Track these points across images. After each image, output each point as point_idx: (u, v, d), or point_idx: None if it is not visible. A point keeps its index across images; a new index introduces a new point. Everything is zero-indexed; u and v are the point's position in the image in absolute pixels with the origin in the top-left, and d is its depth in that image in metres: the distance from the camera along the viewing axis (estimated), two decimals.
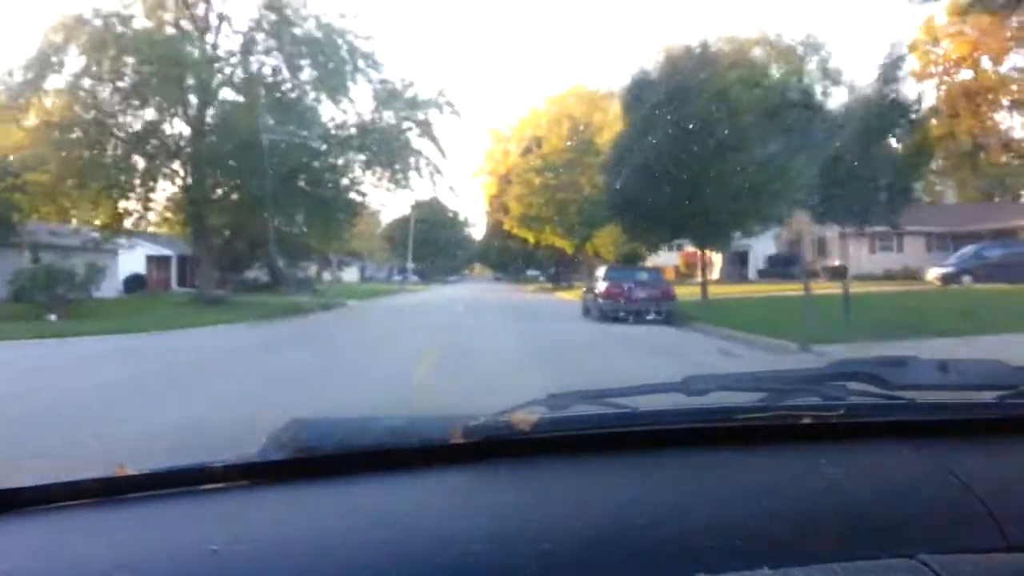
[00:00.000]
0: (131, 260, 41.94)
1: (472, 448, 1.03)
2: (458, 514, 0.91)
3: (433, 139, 28.31)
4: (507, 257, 69.04)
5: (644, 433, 1.09)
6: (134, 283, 41.39)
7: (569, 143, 42.72)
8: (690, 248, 58.38)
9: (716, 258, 57.80)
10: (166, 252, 44.77)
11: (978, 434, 1.14)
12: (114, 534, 0.90)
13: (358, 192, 29.67)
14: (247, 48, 27.39)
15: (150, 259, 44.90)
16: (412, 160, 28.03)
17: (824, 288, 29.03)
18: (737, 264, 50.22)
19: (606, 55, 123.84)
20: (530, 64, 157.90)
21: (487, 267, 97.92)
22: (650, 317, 18.06)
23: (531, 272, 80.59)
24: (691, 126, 20.32)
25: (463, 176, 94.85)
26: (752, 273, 45.54)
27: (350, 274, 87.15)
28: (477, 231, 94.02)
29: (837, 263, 37.86)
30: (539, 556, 0.82)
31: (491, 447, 1.04)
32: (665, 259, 67.72)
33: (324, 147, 27.24)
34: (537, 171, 42.78)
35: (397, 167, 27.95)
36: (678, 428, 1.11)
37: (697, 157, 20.53)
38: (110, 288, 36.90)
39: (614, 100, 48.96)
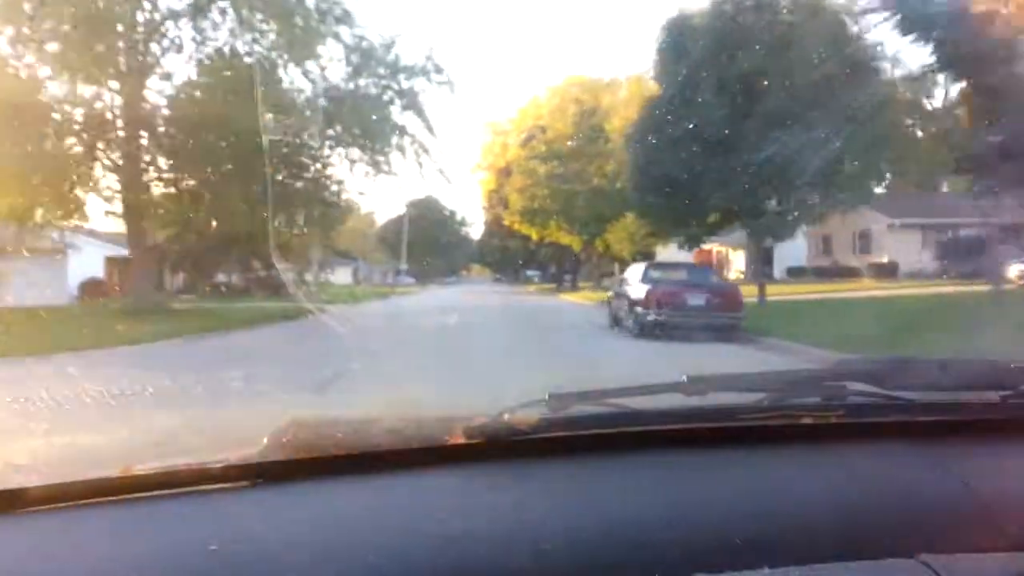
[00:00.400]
0: (89, 262, 36.79)
1: (472, 448, 1.00)
2: (458, 514, 0.89)
3: (420, 112, 23.11)
4: (506, 257, 63.60)
5: (644, 433, 1.06)
6: (91, 288, 36.10)
7: (576, 130, 37.39)
8: (706, 246, 53.22)
9: (735, 256, 52.55)
10: (127, 253, 39.30)
11: (978, 434, 1.10)
12: (116, 534, 0.89)
13: (329, 178, 24.45)
14: (198, 8, 22.18)
15: (110, 261, 39.47)
16: (394, 139, 22.82)
17: (877, 288, 23.90)
18: (759, 263, 44.96)
19: (608, 44, 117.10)
20: (527, 55, 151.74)
21: (486, 268, 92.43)
22: (710, 332, 12.87)
23: (529, 272, 75.34)
24: (755, 77, 15.05)
25: (459, 172, 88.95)
26: (778, 272, 39.99)
27: (343, 275, 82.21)
28: (475, 231, 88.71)
29: (885, 259, 32.69)
30: (539, 556, 0.81)
31: (491, 447, 1.01)
32: (674, 257, 62.72)
33: (307, 138, 22.06)
34: (541, 159, 37.41)
35: (377, 145, 22.73)
36: (678, 428, 1.07)
37: (761, 121, 15.30)
38: (60, 294, 31.79)
39: (622, 87, 44.19)
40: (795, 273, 38.52)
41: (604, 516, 0.90)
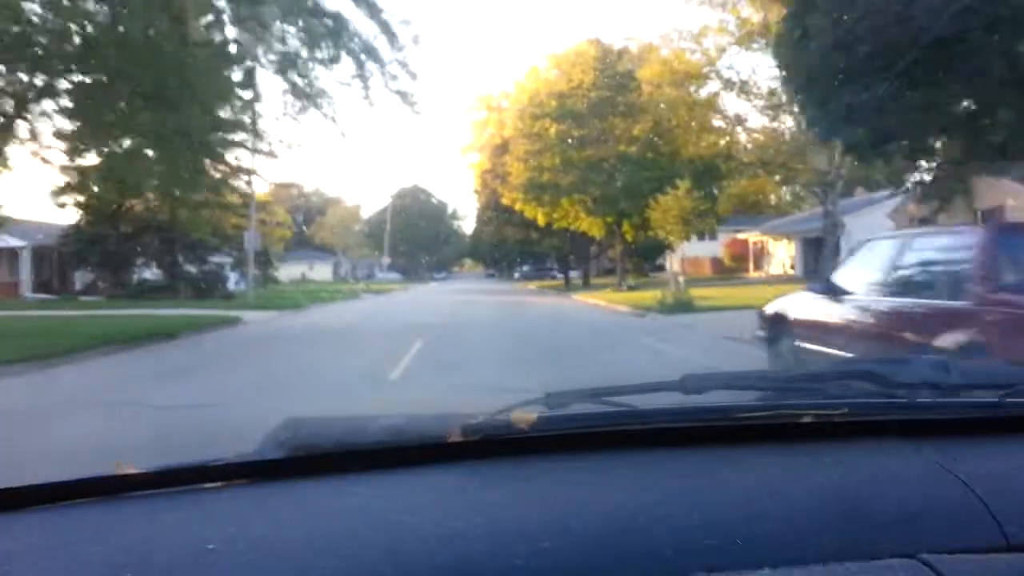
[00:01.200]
0: None
1: (471, 447, 0.97)
2: (457, 513, 0.86)
3: (371, 5, 13.17)
4: (502, 248, 53.25)
5: (644, 432, 1.04)
6: None
7: (598, 79, 27.22)
8: (742, 235, 43.16)
9: (776, 248, 42.58)
10: (16, 243, 29.10)
11: (978, 434, 1.09)
12: (113, 533, 0.85)
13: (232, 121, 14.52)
14: None
15: None
16: (323, 39, 12.86)
17: None
18: (813, 256, 34.98)
19: (617, 13, 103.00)
20: (523, 21, 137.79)
21: (479, 263, 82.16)
22: None
23: (526, 268, 65.24)
24: None
25: (448, 157, 78.65)
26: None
27: (323, 271, 72.52)
28: (468, 225, 78.66)
29: None
30: (539, 555, 0.78)
31: (490, 446, 0.98)
32: (691, 250, 52.51)
33: None
34: (552, 118, 27.14)
35: (307, 55, 12.83)
36: (678, 427, 1.05)
37: None
38: None
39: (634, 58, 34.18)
40: None
41: (604, 515, 0.85)
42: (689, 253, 50.63)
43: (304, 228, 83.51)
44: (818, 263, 31.34)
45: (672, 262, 24.06)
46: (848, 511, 0.88)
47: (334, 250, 77.65)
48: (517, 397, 1.05)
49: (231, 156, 20.31)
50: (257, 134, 19.34)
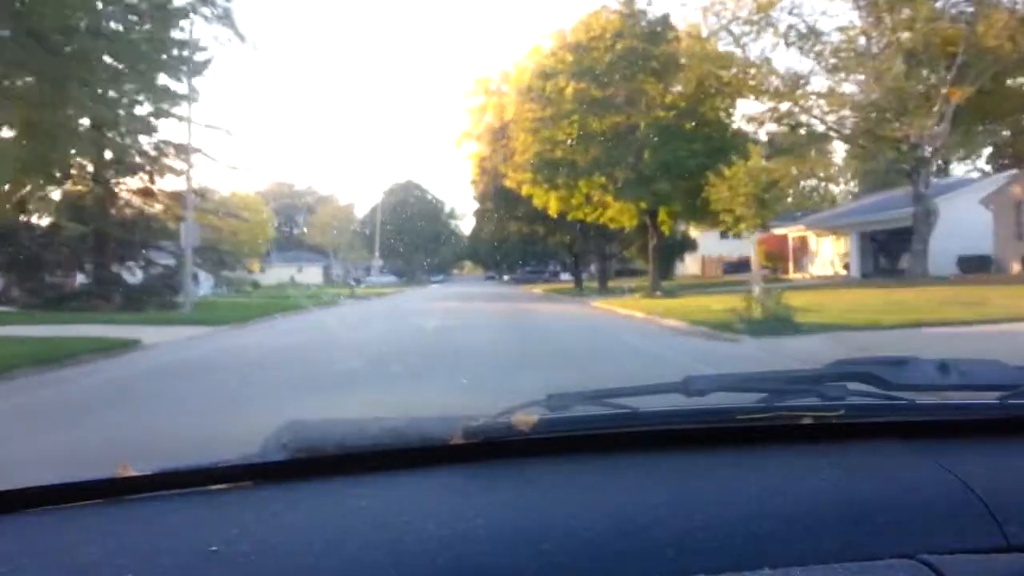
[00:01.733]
0: None
1: (472, 448, 0.96)
2: (458, 514, 0.85)
3: None
4: (503, 249, 47.15)
5: (644, 433, 1.03)
6: None
7: (623, 27, 21.24)
8: (778, 230, 37.08)
9: (821, 245, 36.64)
10: None
11: (978, 434, 1.07)
12: (116, 535, 0.84)
13: None
14: None
15: None
16: None
17: None
18: (872, 253, 28.93)
19: None
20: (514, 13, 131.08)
21: (479, 265, 76.01)
22: None
23: (527, 269, 59.13)
24: None
25: (443, 153, 72.36)
26: (935, 264, 23.52)
27: (312, 274, 66.63)
28: (466, 225, 72.64)
29: None
30: (539, 556, 0.77)
31: (491, 447, 0.97)
32: (713, 246, 46.59)
33: None
34: (567, 76, 21.09)
35: None
36: (678, 428, 1.04)
37: None
38: None
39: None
40: (972, 267, 22.36)
41: (604, 516, 0.84)
42: (713, 252, 44.71)
43: (304, 229, 78.00)
44: (897, 261, 25.40)
45: (753, 261, 18.09)
46: (848, 512, 0.86)
47: (326, 251, 71.81)
48: (519, 399, 1.02)
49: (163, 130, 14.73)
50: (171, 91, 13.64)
